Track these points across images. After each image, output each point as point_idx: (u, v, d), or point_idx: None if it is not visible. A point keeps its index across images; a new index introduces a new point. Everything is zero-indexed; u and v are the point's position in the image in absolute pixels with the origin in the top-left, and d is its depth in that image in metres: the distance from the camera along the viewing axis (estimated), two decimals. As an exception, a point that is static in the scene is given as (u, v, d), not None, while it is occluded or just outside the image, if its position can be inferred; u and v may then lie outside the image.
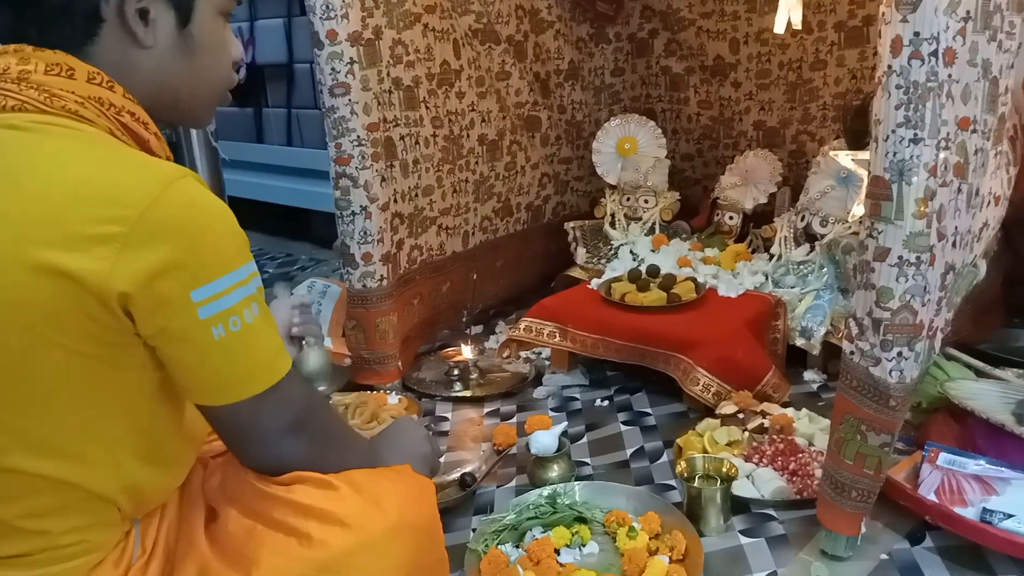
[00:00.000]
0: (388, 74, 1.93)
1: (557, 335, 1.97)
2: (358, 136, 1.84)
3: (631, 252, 2.33)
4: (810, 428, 1.58)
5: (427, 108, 2.07)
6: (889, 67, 1.05)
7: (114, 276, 0.72)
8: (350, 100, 1.82)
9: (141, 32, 0.82)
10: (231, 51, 0.93)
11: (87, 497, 0.81)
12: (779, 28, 1.40)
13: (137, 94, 0.83)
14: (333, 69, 1.80)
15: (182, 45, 0.86)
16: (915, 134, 1.04)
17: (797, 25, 1.42)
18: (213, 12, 0.89)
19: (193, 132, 2.46)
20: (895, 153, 1.06)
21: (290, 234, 3.69)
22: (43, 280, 0.72)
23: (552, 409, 1.86)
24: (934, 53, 1.02)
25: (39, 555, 0.80)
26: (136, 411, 0.82)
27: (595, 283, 2.11)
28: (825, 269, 1.97)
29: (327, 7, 1.76)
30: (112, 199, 0.73)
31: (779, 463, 1.45)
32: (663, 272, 2.07)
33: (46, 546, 0.80)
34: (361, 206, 1.88)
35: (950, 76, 1.04)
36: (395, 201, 1.99)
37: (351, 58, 1.80)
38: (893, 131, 1.06)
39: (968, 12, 1.04)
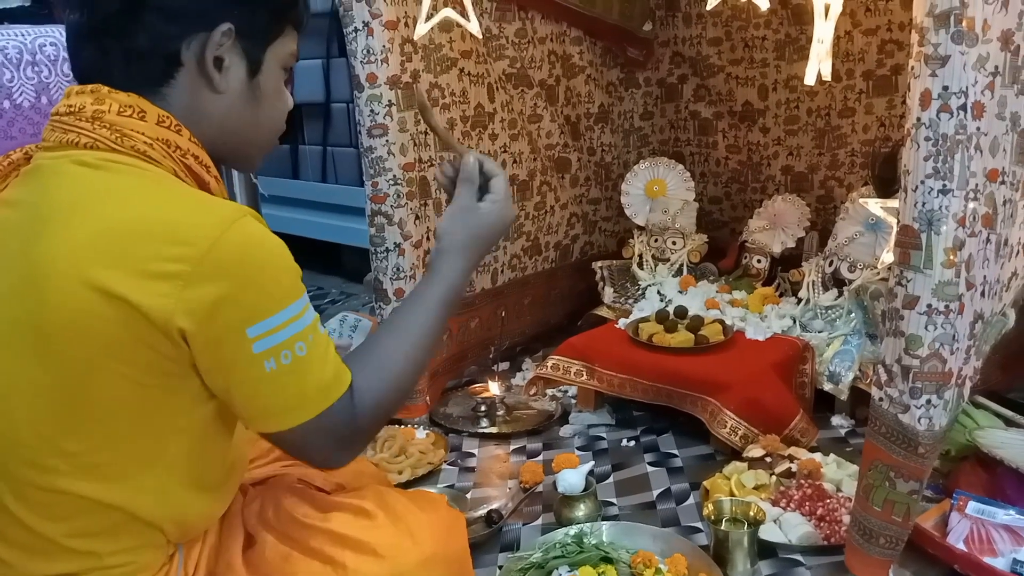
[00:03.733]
0: (424, 116, 1.99)
1: (584, 374, 1.99)
2: (394, 175, 1.89)
3: (658, 293, 2.34)
4: (838, 474, 1.57)
5: (461, 149, 2.12)
6: (918, 120, 1.07)
7: (176, 312, 0.75)
8: (387, 141, 1.87)
9: (217, 78, 0.87)
10: (287, 102, 0.98)
11: (134, 521, 0.84)
12: (810, 80, 1.42)
13: (202, 137, 0.87)
14: (372, 111, 1.86)
15: (249, 94, 0.91)
16: (944, 185, 1.06)
17: (827, 77, 1.44)
18: (277, 65, 0.94)
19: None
20: (924, 203, 1.08)
21: (321, 268, 3.75)
22: (104, 304, 0.74)
23: (578, 448, 1.87)
24: (963, 107, 1.05)
25: (87, 575, 0.83)
26: (186, 440, 0.85)
27: (622, 323, 2.13)
28: (853, 314, 1.97)
29: (368, 51, 1.82)
30: (176, 238, 0.76)
31: (807, 508, 1.45)
32: (691, 314, 2.08)
33: (94, 566, 0.83)
34: (395, 243, 1.92)
35: (978, 129, 1.07)
36: (428, 239, 2.03)
37: (389, 100, 1.86)
38: (922, 182, 1.08)
39: (996, 67, 1.07)
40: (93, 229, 0.77)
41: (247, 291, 0.78)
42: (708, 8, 1.73)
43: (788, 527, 1.42)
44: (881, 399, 1.16)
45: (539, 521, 1.56)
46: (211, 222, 0.78)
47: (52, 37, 1.82)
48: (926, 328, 1.10)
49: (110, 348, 0.76)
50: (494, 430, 1.97)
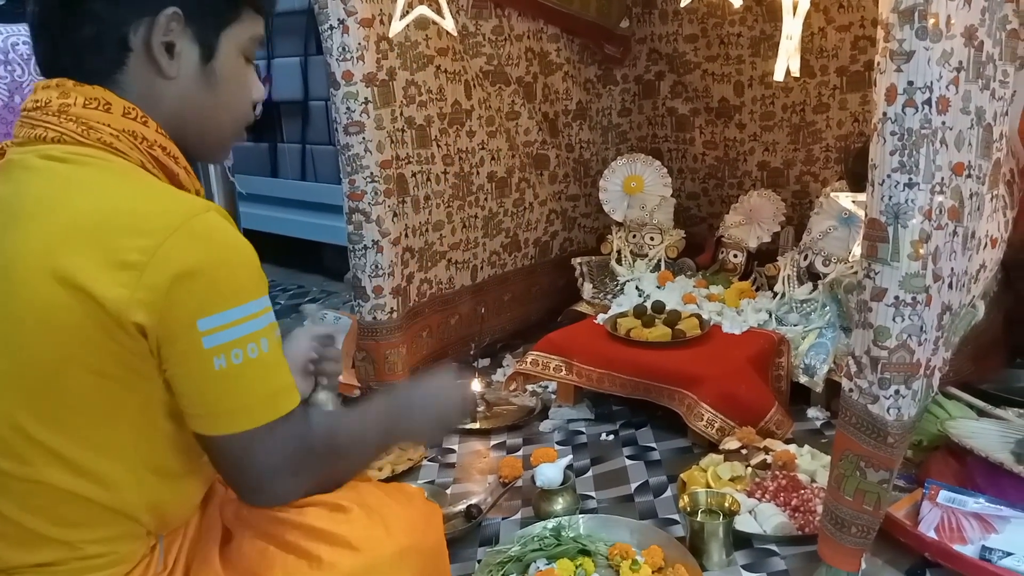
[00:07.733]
0: (401, 113, 1.99)
1: (563, 369, 2.00)
2: (371, 173, 1.89)
3: (637, 288, 2.36)
4: (812, 465, 1.60)
5: (438, 146, 2.13)
6: (884, 114, 1.09)
7: (132, 304, 0.75)
8: (364, 138, 1.87)
9: (165, 63, 0.86)
10: (251, 91, 0.96)
11: (110, 511, 0.84)
12: (778, 76, 1.44)
13: (163, 125, 0.87)
14: (348, 108, 1.86)
15: (204, 79, 0.89)
16: (910, 179, 1.08)
17: (796, 73, 1.46)
18: (236, 52, 0.92)
19: (212, 166, 2.52)
20: (890, 197, 1.09)
21: (302, 266, 3.74)
22: (69, 296, 0.75)
23: (558, 442, 1.88)
24: (927, 101, 1.06)
25: (67, 564, 0.83)
26: (158, 430, 0.85)
27: (601, 318, 2.14)
28: (828, 307, 1.99)
29: (343, 49, 1.82)
30: (136, 229, 0.76)
31: (781, 499, 1.47)
32: (668, 308, 2.09)
33: (74, 556, 0.83)
34: (373, 240, 1.92)
35: (943, 123, 1.08)
36: (406, 236, 2.04)
37: (366, 98, 1.86)
38: (888, 176, 1.09)
39: (961, 62, 1.08)
40: (59, 222, 0.77)
41: (202, 284, 0.77)
42: (682, 5, 1.75)
43: (763, 518, 1.44)
44: (851, 390, 1.18)
45: (518, 515, 1.57)
46: (172, 214, 0.78)
47: (24, 36, 1.80)
48: (894, 320, 1.12)
49: (77, 339, 0.76)
50: (474, 426, 1.98)
